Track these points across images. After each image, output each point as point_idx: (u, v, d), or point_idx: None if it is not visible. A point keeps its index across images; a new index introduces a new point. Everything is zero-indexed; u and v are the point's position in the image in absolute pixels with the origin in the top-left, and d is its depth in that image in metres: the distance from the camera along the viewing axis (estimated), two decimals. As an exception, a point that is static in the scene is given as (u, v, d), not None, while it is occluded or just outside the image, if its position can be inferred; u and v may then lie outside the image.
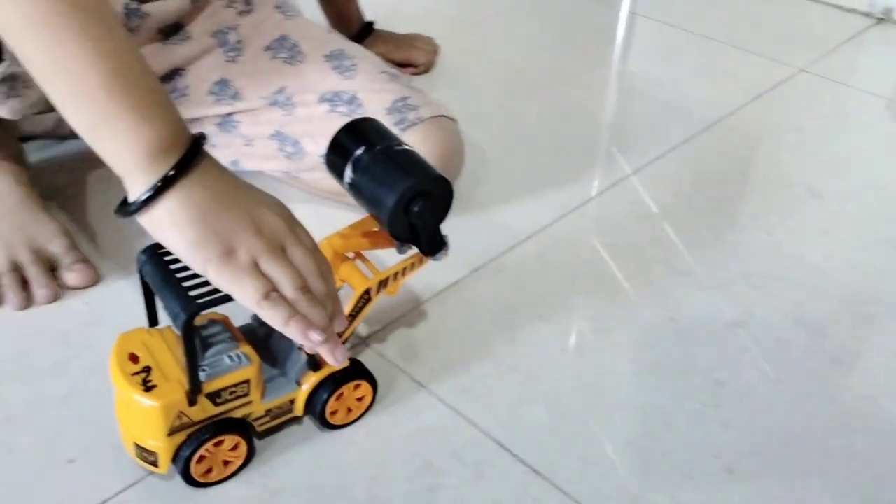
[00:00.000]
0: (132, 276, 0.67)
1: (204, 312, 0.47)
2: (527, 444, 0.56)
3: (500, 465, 0.54)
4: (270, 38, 0.78)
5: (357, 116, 0.60)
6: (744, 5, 1.28)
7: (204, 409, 0.49)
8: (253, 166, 0.78)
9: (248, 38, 0.78)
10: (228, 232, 0.45)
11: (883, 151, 0.93)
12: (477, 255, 0.74)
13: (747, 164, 0.90)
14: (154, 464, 0.50)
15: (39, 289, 0.66)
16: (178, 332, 0.47)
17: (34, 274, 0.66)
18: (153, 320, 0.52)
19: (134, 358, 0.49)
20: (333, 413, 0.54)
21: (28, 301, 0.66)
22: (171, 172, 0.45)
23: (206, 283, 0.46)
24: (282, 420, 0.54)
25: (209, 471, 0.51)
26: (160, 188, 0.44)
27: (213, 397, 0.49)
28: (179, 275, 0.48)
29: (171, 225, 0.45)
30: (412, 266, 0.57)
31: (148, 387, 0.47)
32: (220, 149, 0.78)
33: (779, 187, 0.86)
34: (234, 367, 0.49)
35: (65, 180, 0.80)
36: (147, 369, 0.48)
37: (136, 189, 0.45)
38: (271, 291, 0.46)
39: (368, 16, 1.02)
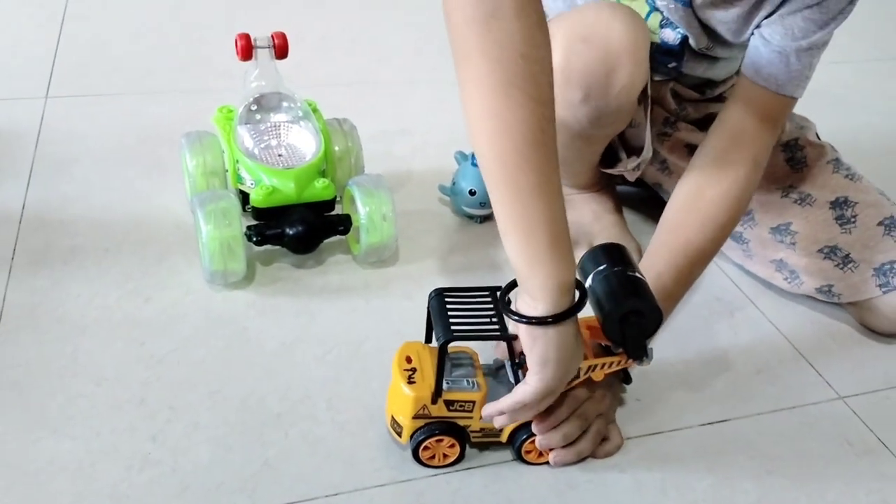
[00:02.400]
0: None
1: (458, 344, 0.65)
2: None
3: None
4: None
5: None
6: None
7: (440, 410, 0.66)
8: (751, 268, 0.94)
9: None
10: (561, 369, 0.62)
11: None
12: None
13: None
14: (399, 434, 0.68)
15: None
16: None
17: None
18: (428, 339, 0.70)
19: (408, 359, 0.68)
20: (528, 452, 0.69)
21: None
22: (563, 311, 0.60)
23: (467, 323, 0.64)
24: (491, 440, 0.70)
25: (432, 457, 0.69)
26: (551, 321, 0.60)
27: (448, 404, 0.66)
28: (451, 313, 0.66)
29: (538, 343, 0.61)
30: (617, 363, 0.69)
31: (410, 380, 0.66)
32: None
33: None
34: (467, 388, 0.66)
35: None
36: (413, 370, 0.67)
37: (533, 308, 0.60)
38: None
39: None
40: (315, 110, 0.97)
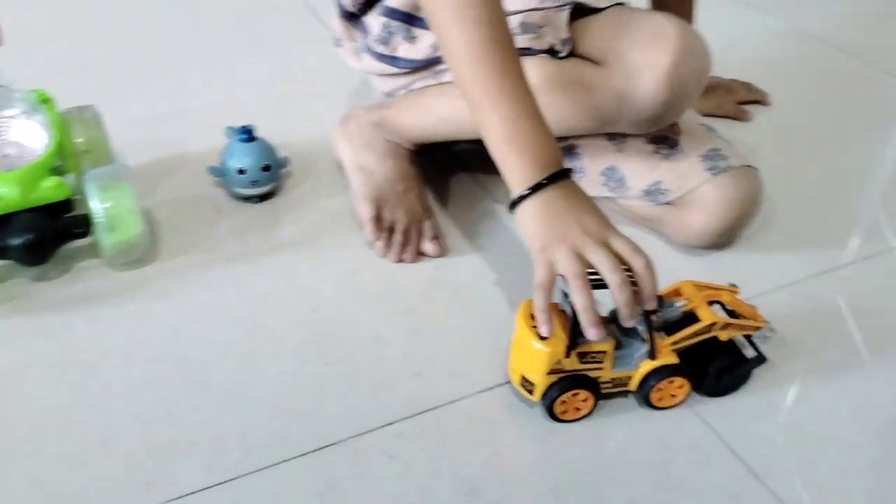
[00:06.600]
0: (473, 253, 0.87)
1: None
2: (749, 448, 0.67)
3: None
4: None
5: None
6: None
7: (573, 363, 0.65)
8: (583, 187, 0.87)
9: None
10: (563, 227, 0.65)
11: None
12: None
13: None
14: (531, 392, 0.67)
15: (409, 251, 0.86)
16: (563, 307, 0.66)
17: (412, 239, 0.87)
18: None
19: (533, 317, 0.65)
20: (659, 399, 0.68)
21: (400, 256, 0.86)
22: (534, 186, 0.66)
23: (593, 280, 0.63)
24: (619, 390, 0.69)
25: (564, 411, 0.67)
26: (526, 195, 0.66)
27: (581, 356, 0.65)
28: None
29: (527, 217, 0.66)
30: (750, 330, 0.70)
31: (541, 337, 0.64)
32: None
33: None
34: (599, 339, 0.64)
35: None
36: None
37: (514, 195, 0.67)
38: (578, 277, 0.62)
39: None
40: (46, 101, 0.86)
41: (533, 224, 0.66)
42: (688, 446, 0.66)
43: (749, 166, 0.85)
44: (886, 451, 0.67)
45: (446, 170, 1.00)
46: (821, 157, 1.06)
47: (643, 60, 0.75)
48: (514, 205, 0.67)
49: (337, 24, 0.97)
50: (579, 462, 0.65)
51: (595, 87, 0.79)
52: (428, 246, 0.86)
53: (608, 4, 0.82)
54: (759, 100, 1.17)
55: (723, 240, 0.87)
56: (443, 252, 0.87)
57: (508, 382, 0.71)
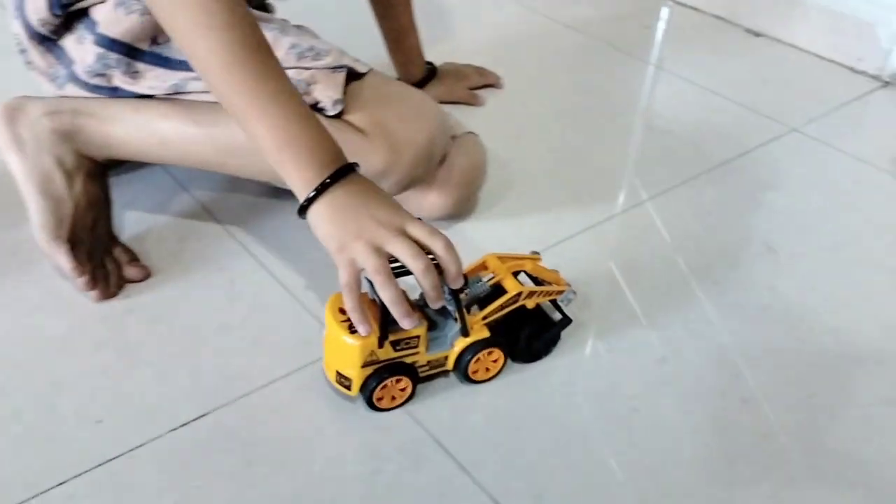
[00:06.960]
0: (174, 275, 0.80)
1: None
2: (460, 444, 0.65)
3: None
4: None
5: None
6: (759, 63, 1.29)
7: (387, 352, 0.64)
8: None
9: None
10: (356, 223, 0.62)
11: (846, 214, 0.94)
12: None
13: (717, 216, 0.93)
14: (348, 388, 0.65)
15: (114, 283, 0.78)
16: (373, 297, 0.64)
17: (111, 269, 0.79)
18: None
19: (342, 311, 0.64)
20: (475, 372, 0.69)
21: (106, 292, 0.77)
22: (318, 187, 0.62)
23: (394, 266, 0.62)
24: (437, 371, 0.68)
25: (381, 399, 0.66)
26: (312, 198, 0.63)
27: (395, 344, 0.64)
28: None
29: (318, 220, 0.63)
30: (554, 294, 0.72)
31: (351, 331, 0.62)
32: None
33: (738, 240, 0.89)
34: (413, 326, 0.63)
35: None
36: (349, 319, 0.63)
37: (301, 200, 0.63)
38: (380, 272, 0.60)
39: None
40: None
41: (325, 226, 0.63)
42: (398, 451, 0.63)
43: (470, 132, 0.89)
44: (596, 425, 0.67)
45: (147, 180, 0.91)
46: (553, 133, 1.08)
47: (406, 137, 0.79)
48: (302, 210, 0.64)
49: (25, 42, 0.82)
50: (279, 493, 0.60)
51: (360, 154, 0.76)
52: (130, 271, 0.78)
53: (365, 70, 0.82)
54: (491, 83, 1.18)
55: (461, 207, 0.88)
56: (145, 275, 0.79)
57: (205, 415, 0.65)
